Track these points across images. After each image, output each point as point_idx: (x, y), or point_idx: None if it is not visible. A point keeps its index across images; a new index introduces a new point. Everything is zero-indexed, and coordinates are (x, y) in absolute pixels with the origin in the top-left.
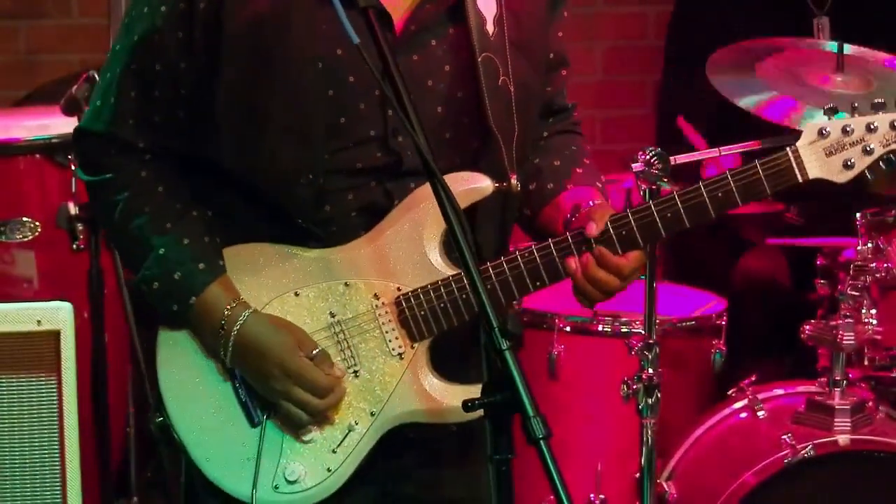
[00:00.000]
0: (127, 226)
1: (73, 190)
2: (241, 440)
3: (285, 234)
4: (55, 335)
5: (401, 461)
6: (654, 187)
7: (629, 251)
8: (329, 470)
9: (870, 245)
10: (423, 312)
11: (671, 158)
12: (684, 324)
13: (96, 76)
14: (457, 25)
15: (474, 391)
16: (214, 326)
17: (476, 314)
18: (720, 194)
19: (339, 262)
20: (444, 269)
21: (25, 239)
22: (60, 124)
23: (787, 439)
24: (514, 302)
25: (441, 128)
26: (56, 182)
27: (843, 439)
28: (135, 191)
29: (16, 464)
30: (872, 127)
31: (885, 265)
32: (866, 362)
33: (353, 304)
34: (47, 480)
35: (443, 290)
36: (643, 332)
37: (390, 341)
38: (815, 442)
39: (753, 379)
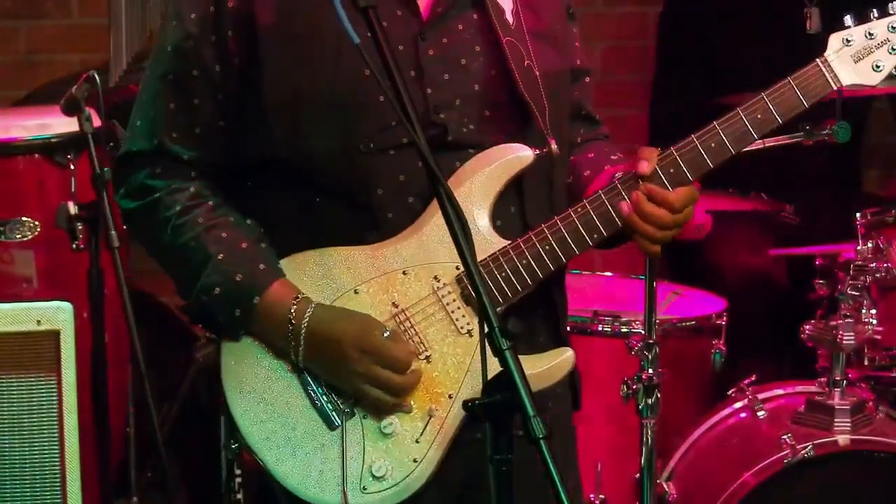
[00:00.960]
0: (179, 240)
1: (73, 189)
2: (322, 448)
3: (340, 234)
4: (55, 335)
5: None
6: None
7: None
8: (415, 461)
9: (870, 245)
10: (502, 274)
11: None
12: (684, 324)
13: (96, 76)
14: (478, 10)
15: (544, 361)
16: (282, 322)
17: (540, 280)
18: (759, 115)
19: (393, 252)
20: (498, 239)
21: (25, 239)
22: (60, 124)
23: (787, 439)
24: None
25: (481, 105)
26: (55, 182)
27: (843, 439)
28: (186, 205)
29: (16, 464)
30: (894, 27)
31: (885, 265)
32: (866, 362)
33: (414, 291)
34: (47, 480)
35: (501, 259)
36: (643, 332)
37: (458, 320)
38: (815, 442)
39: (753, 379)
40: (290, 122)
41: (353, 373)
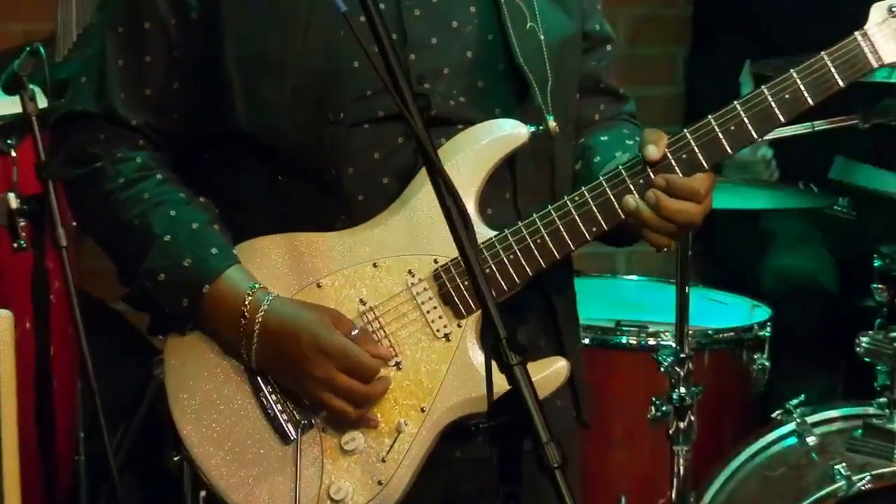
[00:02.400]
0: (122, 217)
1: (15, 180)
2: (274, 464)
3: (304, 217)
4: None
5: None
6: None
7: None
8: (380, 483)
9: None
10: (466, 282)
11: None
12: (722, 335)
13: (42, 50)
14: None
15: (539, 367)
16: (234, 315)
17: (530, 276)
18: (787, 95)
19: (362, 241)
20: (483, 229)
21: None
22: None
23: (842, 469)
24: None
25: (472, 75)
26: None
27: None
28: (131, 178)
29: None
30: None
31: None
32: None
33: (384, 286)
34: None
35: (486, 253)
36: (674, 344)
37: (433, 322)
38: (874, 472)
39: (802, 399)
40: (253, 87)
41: (311, 378)
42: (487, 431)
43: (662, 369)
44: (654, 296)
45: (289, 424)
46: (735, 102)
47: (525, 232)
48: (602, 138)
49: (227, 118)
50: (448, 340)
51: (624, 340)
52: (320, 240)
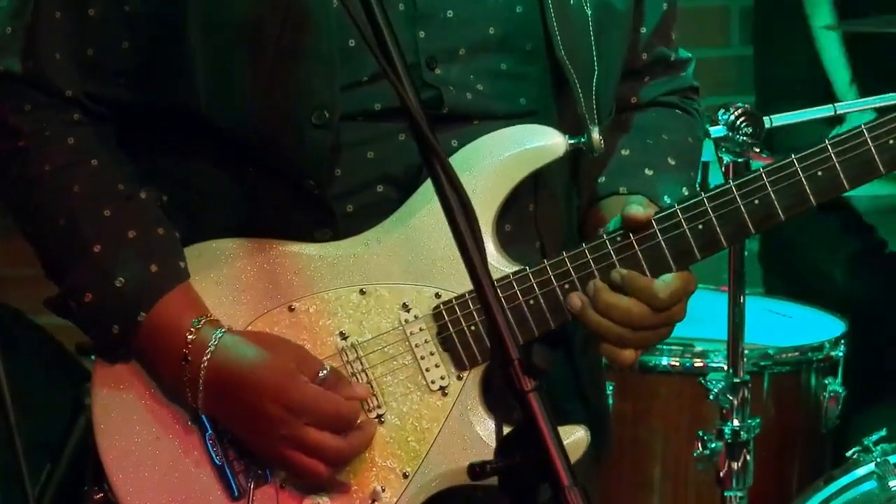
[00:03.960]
0: (46, 214)
1: None
2: None
3: (279, 221)
4: None
5: None
6: (740, 159)
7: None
8: None
9: None
10: (473, 327)
11: (766, 119)
12: (785, 355)
13: None
14: None
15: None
16: (174, 354)
17: (555, 325)
18: (819, 173)
19: (350, 259)
20: (501, 264)
21: None
22: None
23: None
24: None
25: (495, 56)
26: None
27: None
28: (58, 164)
29: None
30: None
31: None
32: None
33: (372, 320)
34: None
35: (500, 293)
36: (726, 367)
37: (428, 370)
38: None
39: (883, 434)
40: (220, 63)
41: (274, 436)
42: (496, 473)
43: (712, 397)
44: (702, 306)
45: (239, 476)
46: (761, 171)
47: (552, 274)
48: (623, 152)
49: (184, 95)
50: (444, 395)
51: (665, 361)
52: (297, 251)
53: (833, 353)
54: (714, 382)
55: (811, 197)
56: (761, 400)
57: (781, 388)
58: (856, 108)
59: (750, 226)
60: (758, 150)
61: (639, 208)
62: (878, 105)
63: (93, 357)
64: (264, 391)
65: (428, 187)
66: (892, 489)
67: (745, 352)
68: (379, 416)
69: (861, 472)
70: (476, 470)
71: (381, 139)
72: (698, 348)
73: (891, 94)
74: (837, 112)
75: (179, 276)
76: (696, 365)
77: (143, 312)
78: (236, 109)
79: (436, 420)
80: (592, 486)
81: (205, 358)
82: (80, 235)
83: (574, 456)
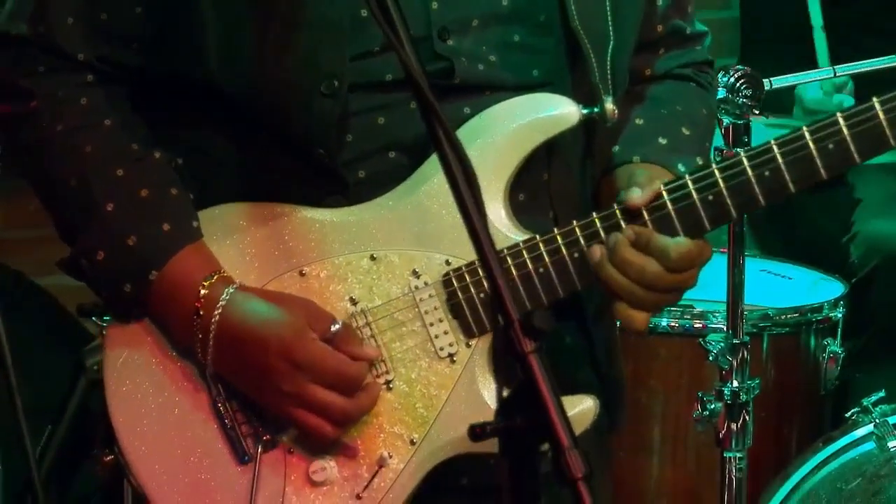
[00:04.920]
0: (59, 175)
1: None
2: (226, 485)
3: (290, 187)
4: None
5: None
6: (740, 121)
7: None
8: None
9: None
10: (482, 294)
11: (766, 81)
12: (784, 316)
13: None
14: None
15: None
16: (186, 309)
17: (564, 293)
18: (830, 146)
19: (361, 225)
20: (512, 232)
21: None
22: None
23: None
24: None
25: (507, 27)
26: None
27: None
28: (71, 124)
29: None
30: None
31: None
32: None
33: (382, 286)
34: None
35: (510, 261)
36: (725, 328)
37: (437, 337)
38: None
39: (882, 395)
40: (231, 30)
41: (280, 392)
42: (496, 435)
43: (711, 358)
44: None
45: (248, 440)
46: (772, 142)
47: (561, 242)
48: (637, 121)
49: (195, 61)
50: (453, 362)
51: (664, 322)
52: (309, 216)
53: (832, 315)
54: (713, 344)
55: (821, 170)
56: (761, 361)
57: (781, 349)
58: (856, 70)
59: (760, 198)
60: (757, 112)
61: (636, 192)
62: (878, 67)
63: (104, 319)
64: (270, 346)
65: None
66: (891, 450)
67: (745, 313)
68: (387, 382)
69: (860, 432)
70: (476, 431)
71: (391, 107)
72: (698, 309)
73: (891, 56)
74: (837, 74)
75: (192, 235)
76: (695, 326)
77: (154, 271)
78: (246, 77)
79: (444, 387)
80: (602, 455)
81: (216, 312)
82: (92, 195)
83: (581, 425)
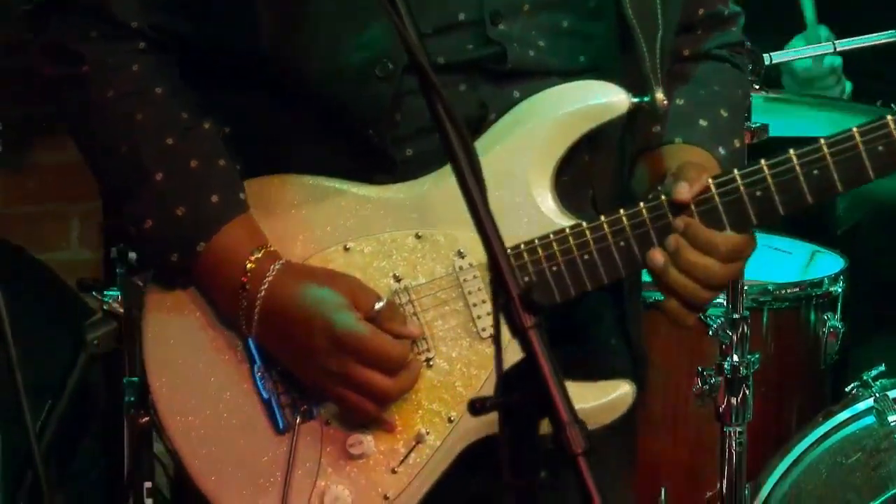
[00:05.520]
0: (109, 141)
1: None
2: (262, 454)
3: (338, 163)
4: None
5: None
6: None
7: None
8: (386, 497)
9: None
10: (527, 277)
11: (766, 56)
12: (784, 291)
13: None
14: None
15: (600, 391)
16: (233, 282)
17: (608, 280)
18: (881, 147)
19: (408, 203)
20: (558, 217)
21: None
22: None
23: None
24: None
25: (557, 13)
26: None
27: None
28: (122, 91)
29: None
30: None
31: None
32: None
33: (426, 265)
34: None
35: (556, 246)
36: (725, 302)
37: (479, 318)
38: None
39: (882, 370)
40: (285, 11)
41: (324, 370)
42: (495, 410)
43: (711, 333)
44: None
45: (286, 410)
46: (822, 140)
47: (608, 230)
48: (678, 101)
49: (248, 36)
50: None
51: (663, 297)
52: (355, 191)
53: (832, 289)
54: (714, 318)
55: (870, 171)
56: (761, 336)
57: (781, 323)
58: (856, 45)
59: (808, 195)
60: (757, 86)
61: (683, 187)
62: (877, 42)
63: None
64: (315, 325)
65: (487, 137)
66: (891, 424)
67: (745, 288)
68: (428, 360)
69: (860, 407)
70: (475, 405)
71: (442, 88)
72: None
73: (891, 31)
74: (837, 49)
75: (239, 207)
76: None
77: (202, 242)
78: (298, 57)
79: (483, 367)
80: (630, 432)
81: (262, 287)
82: (142, 163)
83: (617, 412)
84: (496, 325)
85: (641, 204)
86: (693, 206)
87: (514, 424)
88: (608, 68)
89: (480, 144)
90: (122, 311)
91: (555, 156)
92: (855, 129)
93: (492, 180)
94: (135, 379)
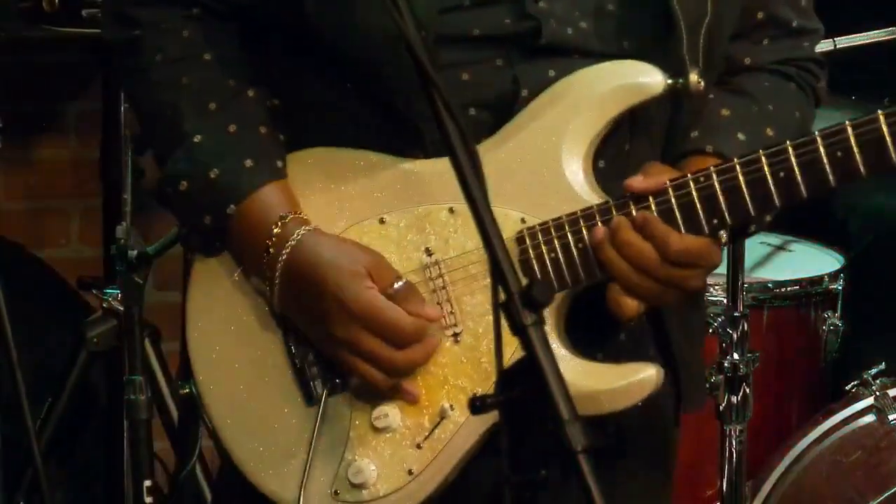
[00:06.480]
0: (154, 102)
1: None
2: (292, 425)
3: (374, 137)
4: None
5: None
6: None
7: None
8: (411, 472)
9: None
10: (553, 255)
11: None
12: (785, 289)
13: None
14: None
15: (628, 371)
16: (258, 249)
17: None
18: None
19: (443, 178)
20: (589, 195)
21: None
22: None
23: None
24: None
25: None
26: None
27: None
28: (171, 54)
29: None
30: None
31: None
32: None
33: (458, 239)
34: None
35: (583, 224)
36: (725, 300)
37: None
38: None
39: (882, 368)
40: None
41: (332, 336)
42: (495, 407)
43: (711, 331)
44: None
45: (317, 382)
46: (789, 142)
47: (486, 221)
48: (722, 112)
49: (291, 6)
50: None
51: None
52: (393, 164)
53: (832, 287)
54: (714, 316)
55: (831, 178)
56: (761, 333)
57: (781, 321)
58: (858, 42)
59: (776, 198)
60: None
61: (637, 177)
62: (880, 39)
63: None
64: (327, 289)
65: (523, 115)
66: (891, 422)
67: (745, 285)
68: (455, 335)
69: (860, 405)
70: (476, 403)
71: (477, 63)
72: None
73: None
74: (837, 46)
75: (275, 173)
76: None
77: (233, 205)
78: (337, 23)
79: (509, 344)
80: (671, 439)
81: (284, 251)
82: (183, 126)
83: (642, 393)
84: (496, 324)
85: (611, 200)
86: (652, 202)
87: (513, 421)
88: (649, 55)
89: (517, 121)
90: (122, 308)
91: (590, 134)
92: (817, 133)
93: (526, 157)
94: (135, 377)
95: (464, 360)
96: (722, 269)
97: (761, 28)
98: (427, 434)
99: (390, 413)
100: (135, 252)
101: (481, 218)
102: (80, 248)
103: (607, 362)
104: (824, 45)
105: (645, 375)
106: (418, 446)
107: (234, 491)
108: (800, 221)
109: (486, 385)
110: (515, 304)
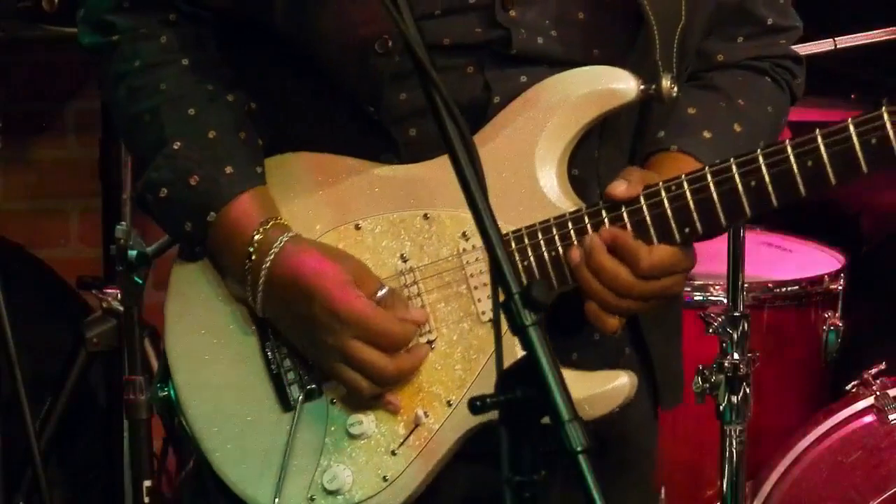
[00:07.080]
0: (132, 108)
1: None
2: (268, 430)
3: (348, 141)
4: None
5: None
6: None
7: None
8: (385, 479)
9: None
10: (526, 262)
11: None
12: (784, 289)
13: None
14: None
15: (600, 380)
16: (240, 253)
17: None
18: (810, 163)
19: (418, 184)
20: (563, 202)
21: None
22: None
23: None
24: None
25: (573, 2)
26: None
27: None
28: (149, 60)
29: None
30: None
31: None
32: None
33: (433, 245)
34: None
35: (555, 231)
36: (725, 300)
37: (480, 301)
38: None
39: (882, 368)
40: None
41: (323, 345)
42: (495, 408)
43: (711, 331)
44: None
45: (293, 387)
46: (759, 151)
47: (605, 217)
48: (689, 110)
49: (265, 6)
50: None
51: None
52: (369, 170)
53: (832, 287)
54: (714, 316)
55: (800, 186)
56: (761, 333)
57: (781, 321)
58: (858, 42)
59: (747, 208)
60: None
61: (621, 184)
62: (880, 39)
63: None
64: (316, 297)
65: (496, 122)
66: (892, 422)
67: (745, 285)
68: (430, 342)
69: (860, 405)
70: (476, 404)
71: (448, 69)
72: (698, 282)
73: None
74: (837, 46)
75: (254, 179)
76: (695, 299)
77: (213, 212)
78: (306, 29)
79: (483, 351)
80: (650, 438)
81: (267, 258)
82: (162, 132)
83: (614, 402)
84: (496, 323)
85: (584, 207)
86: (626, 217)
87: (513, 421)
88: (621, 62)
89: (490, 128)
90: (121, 308)
91: (563, 139)
92: (788, 141)
93: (499, 163)
94: (134, 377)
95: (438, 367)
96: (722, 268)
97: (736, 26)
98: (402, 441)
99: (365, 420)
100: (134, 252)
101: (481, 218)
102: (79, 248)
103: (582, 361)
104: (824, 45)
105: (618, 383)
106: (393, 453)
107: (209, 497)
108: (800, 221)
109: (459, 392)
110: (516, 303)
